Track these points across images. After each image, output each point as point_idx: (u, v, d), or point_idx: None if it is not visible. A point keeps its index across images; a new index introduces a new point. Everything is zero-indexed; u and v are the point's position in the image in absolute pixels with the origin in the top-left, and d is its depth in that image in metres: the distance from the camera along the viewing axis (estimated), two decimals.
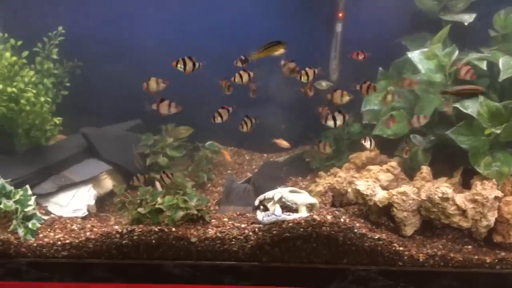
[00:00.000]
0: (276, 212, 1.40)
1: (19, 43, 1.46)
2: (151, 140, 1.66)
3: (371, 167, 1.51)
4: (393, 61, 1.54)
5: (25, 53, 1.47)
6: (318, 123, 1.54)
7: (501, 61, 1.37)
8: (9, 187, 1.38)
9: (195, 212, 1.41)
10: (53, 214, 1.51)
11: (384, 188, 1.47)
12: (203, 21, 1.73)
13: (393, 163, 1.53)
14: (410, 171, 1.55)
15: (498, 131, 1.32)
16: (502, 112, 1.38)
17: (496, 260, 1.46)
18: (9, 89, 1.40)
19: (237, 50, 1.43)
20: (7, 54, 1.40)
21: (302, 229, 1.42)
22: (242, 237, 1.45)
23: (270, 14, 1.71)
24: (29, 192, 1.41)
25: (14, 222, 1.38)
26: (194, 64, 1.37)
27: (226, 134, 1.79)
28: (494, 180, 1.40)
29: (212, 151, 1.70)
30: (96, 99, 1.66)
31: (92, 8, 1.67)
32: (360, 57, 1.45)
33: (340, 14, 1.56)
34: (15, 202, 1.38)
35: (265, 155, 1.86)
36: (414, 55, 1.45)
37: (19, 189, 1.40)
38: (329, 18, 1.59)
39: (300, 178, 1.69)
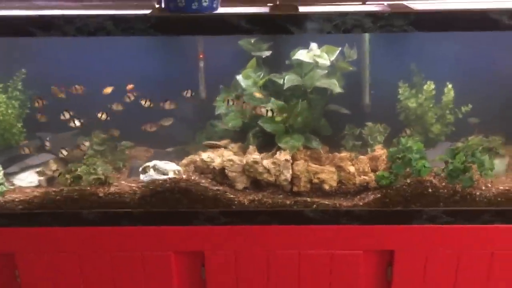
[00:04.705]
0: (150, 173, 2.20)
1: None
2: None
3: (219, 148, 2.34)
4: (233, 81, 2.40)
5: (0, 85, 2.37)
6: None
7: (286, 78, 2.23)
8: None
9: (102, 176, 2.22)
10: (16, 185, 2.33)
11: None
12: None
13: (233, 145, 2.35)
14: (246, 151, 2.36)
15: (280, 118, 2.17)
16: (286, 108, 2.22)
17: (293, 202, 2.09)
18: None
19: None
20: None
21: (168, 185, 2.18)
22: (131, 192, 2.21)
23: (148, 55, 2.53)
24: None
25: None
26: None
27: (140, 137, 2.62)
28: (288, 150, 2.21)
29: (125, 147, 2.54)
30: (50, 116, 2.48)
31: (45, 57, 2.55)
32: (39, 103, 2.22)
33: (201, 55, 2.45)
34: None
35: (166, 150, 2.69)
36: (239, 77, 2.31)
37: None
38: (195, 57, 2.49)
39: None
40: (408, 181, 2.09)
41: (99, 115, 2.25)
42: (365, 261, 2.18)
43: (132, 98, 2.29)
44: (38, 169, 2.31)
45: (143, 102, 2.28)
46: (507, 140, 2.40)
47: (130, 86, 2.34)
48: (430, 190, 2.08)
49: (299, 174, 2.15)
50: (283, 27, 1.84)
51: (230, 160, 2.16)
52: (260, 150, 2.27)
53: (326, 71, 2.23)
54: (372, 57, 2.37)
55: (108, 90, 2.29)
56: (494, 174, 2.13)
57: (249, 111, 2.23)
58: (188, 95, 2.31)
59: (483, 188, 2.12)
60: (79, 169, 2.15)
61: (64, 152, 2.22)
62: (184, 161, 2.29)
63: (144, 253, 2.17)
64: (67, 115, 2.23)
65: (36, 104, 2.23)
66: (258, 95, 2.21)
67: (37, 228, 2.13)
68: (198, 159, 2.21)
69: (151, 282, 2.19)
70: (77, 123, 2.24)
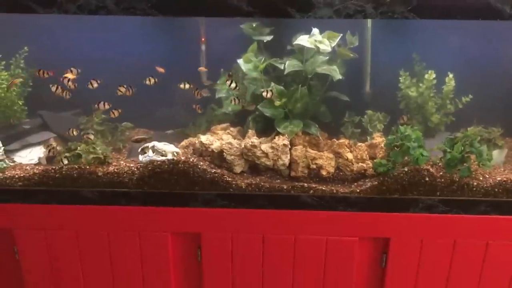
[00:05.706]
0: (149, 154, 2.22)
1: None
2: (84, 120, 2.51)
3: (218, 131, 2.34)
4: (234, 65, 2.40)
5: (3, 62, 2.38)
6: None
7: (287, 63, 2.22)
8: None
9: (101, 156, 2.23)
10: (17, 162, 2.35)
11: None
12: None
13: (232, 128, 2.36)
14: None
15: (279, 102, 2.17)
16: (285, 93, 2.22)
17: (290, 187, 2.14)
18: None
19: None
20: None
21: (166, 166, 2.20)
22: (130, 172, 2.25)
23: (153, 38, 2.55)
24: (0, 144, 2.26)
25: None
26: None
27: (139, 118, 2.63)
28: (286, 135, 2.22)
29: (126, 128, 2.55)
30: (51, 94, 2.49)
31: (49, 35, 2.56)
32: (46, 75, 2.20)
33: (203, 39, 2.45)
34: None
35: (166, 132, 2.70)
36: (240, 61, 2.31)
37: None
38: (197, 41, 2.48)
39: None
40: (406, 169, 2.09)
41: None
42: (361, 248, 2.19)
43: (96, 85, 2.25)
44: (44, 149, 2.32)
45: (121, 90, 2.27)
46: (507, 132, 2.40)
47: (160, 69, 2.34)
48: (427, 179, 2.08)
49: (297, 159, 2.15)
50: (284, 10, 1.83)
51: (229, 143, 2.17)
52: (259, 134, 2.27)
53: (327, 57, 2.23)
54: (374, 45, 2.36)
55: (69, 75, 2.27)
56: (492, 165, 2.13)
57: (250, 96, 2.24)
58: (151, 82, 2.27)
59: (481, 178, 2.12)
60: (78, 148, 2.16)
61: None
62: (183, 143, 2.30)
63: (141, 233, 2.19)
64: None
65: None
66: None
67: (36, 205, 2.16)
68: (197, 142, 2.22)
69: (148, 262, 2.21)
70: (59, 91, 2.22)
